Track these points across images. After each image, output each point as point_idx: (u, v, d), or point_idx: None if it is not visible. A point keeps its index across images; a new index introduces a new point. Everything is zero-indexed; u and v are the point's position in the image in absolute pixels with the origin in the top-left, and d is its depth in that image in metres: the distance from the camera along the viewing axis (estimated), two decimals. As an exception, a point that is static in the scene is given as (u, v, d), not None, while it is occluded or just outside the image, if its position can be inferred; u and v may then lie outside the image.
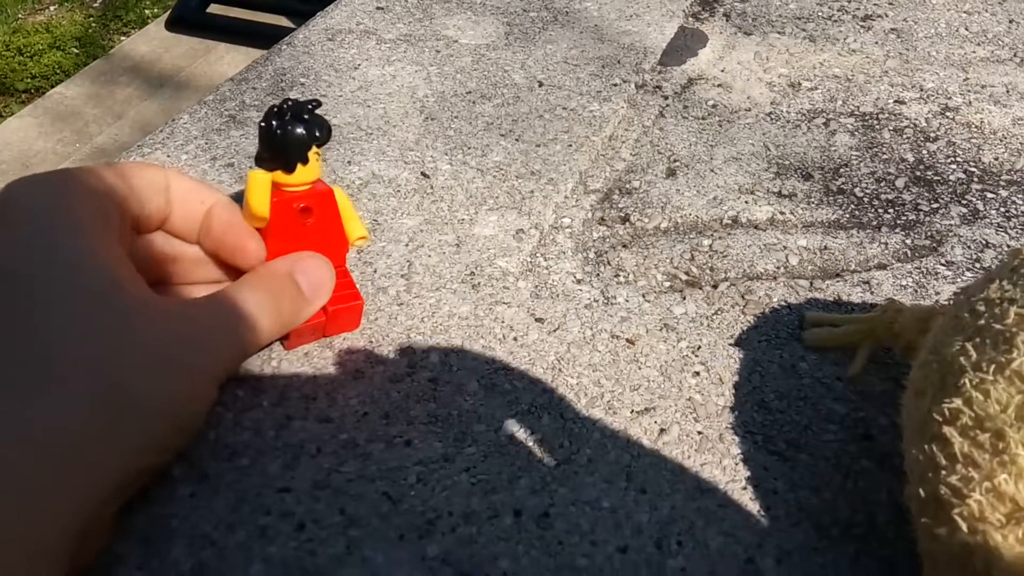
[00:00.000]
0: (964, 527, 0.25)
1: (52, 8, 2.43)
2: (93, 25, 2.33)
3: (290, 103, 0.34)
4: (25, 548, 0.24)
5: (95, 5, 2.43)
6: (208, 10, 1.37)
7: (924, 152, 0.52)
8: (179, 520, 0.30)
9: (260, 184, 0.35)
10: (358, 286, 0.40)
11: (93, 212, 0.30)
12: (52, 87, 2.06)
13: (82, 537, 0.26)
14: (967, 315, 0.28)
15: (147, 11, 2.38)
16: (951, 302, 0.33)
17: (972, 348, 0.27)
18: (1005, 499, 0.24)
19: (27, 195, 0.30)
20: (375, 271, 0.41)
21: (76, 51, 2.21)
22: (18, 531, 0.24)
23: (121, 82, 2.07)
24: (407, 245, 0.43)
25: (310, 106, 0.34)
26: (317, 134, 0.34)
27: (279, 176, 0.35)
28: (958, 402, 0.26)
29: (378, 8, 0.63)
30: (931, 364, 0.28)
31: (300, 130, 0.34)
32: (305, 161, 0.34)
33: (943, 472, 0.26)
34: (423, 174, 0.48)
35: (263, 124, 0.34)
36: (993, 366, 0.26)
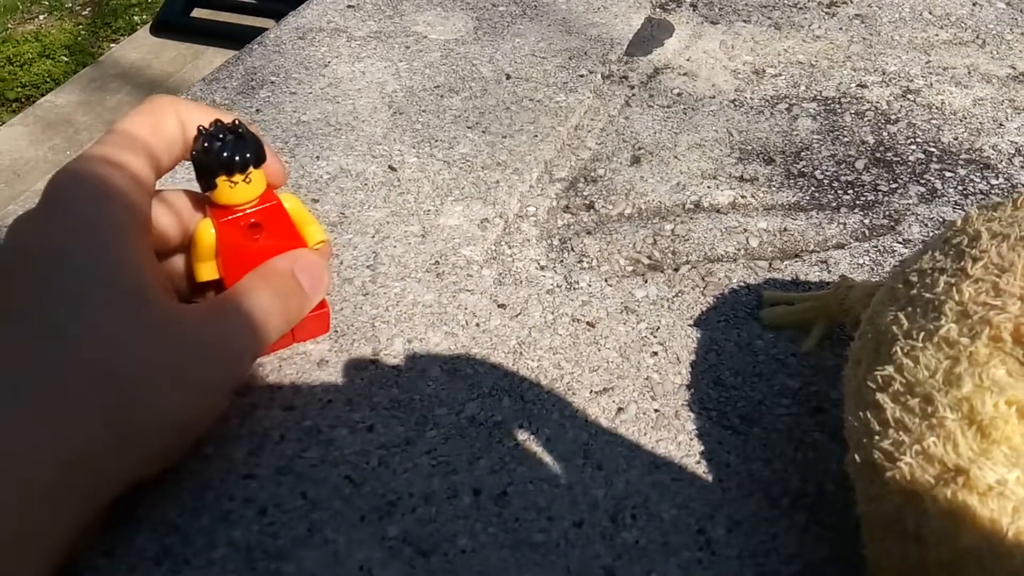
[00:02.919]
0: (896, 489, 0.26)
1: (41, 17, 2.43)
2: (82, 33, 2.34)
3: (208, 128, 0.34)
4: (23, 553, 0.25)
5: (84, 13, 2.44)
6: (193, 14, 1.38)
7: (884, 134, 0.52)
8: (145, 508, 0.31)
9: (201, 236, 0.35)
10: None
11: (128, 210, 0.30)
12: (42, 95, 2.07)
13: (76, 540, 0.27)
14: (901, 285, 0.29)
15: (136, 18, 2.39)
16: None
17: (904, 317, 0.28)
18: (934, 461, 0.25)
19: (73, 187, 0.30)
20: (341, 263, 0.42)
21: (66, 59, 2.22)
22: (18, 536, 0.25)
23: (111, 89, 2.07)
24: (373, 237, 0.44)
25: (220, 135, 0.33)
26: (224, 159, 0.33)
27: (222, 197, 0.34)
28: (890, 369, 0.27)
29: (349, 6, 0.64)
30: (867, 334, 0.29)
31: (205, 158, 0.33)
32: (212, 187, 0.34)
33: (876, 437, 0.26)
34: (390, 167, 0.48)
35: None
36: (923, 333, 0.27)
